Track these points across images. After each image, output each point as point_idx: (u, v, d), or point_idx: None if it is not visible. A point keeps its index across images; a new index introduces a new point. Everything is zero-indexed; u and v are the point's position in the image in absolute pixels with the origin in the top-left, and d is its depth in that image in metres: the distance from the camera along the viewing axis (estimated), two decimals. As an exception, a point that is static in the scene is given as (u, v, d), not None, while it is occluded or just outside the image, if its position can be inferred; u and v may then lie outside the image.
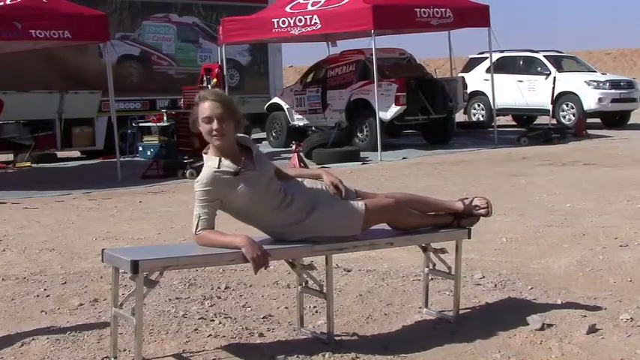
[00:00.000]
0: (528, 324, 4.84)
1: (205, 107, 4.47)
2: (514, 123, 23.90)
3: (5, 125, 16.93)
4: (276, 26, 17.41)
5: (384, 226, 4.87)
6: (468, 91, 20.83)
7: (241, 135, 4.67)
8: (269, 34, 17.87)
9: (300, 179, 4.77)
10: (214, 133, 4.43)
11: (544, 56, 22.21)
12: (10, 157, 17.73)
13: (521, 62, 22.58)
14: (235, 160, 4.48)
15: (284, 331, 4.92)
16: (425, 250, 5.16)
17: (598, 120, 21.93)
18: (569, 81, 21.26)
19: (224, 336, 4.79)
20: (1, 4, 12.88)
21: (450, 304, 5.17)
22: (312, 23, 16.82)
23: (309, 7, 17.12)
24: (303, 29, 17.00)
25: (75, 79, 18.22)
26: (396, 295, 5.65)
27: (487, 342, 4.66)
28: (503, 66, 21.74)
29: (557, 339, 4.64)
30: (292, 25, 17.09)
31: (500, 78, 20.38)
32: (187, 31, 20.92)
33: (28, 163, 17.12)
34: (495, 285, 5.85)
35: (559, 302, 5.31)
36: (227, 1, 21.27)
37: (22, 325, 5.18)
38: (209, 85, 16.02)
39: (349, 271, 6.30)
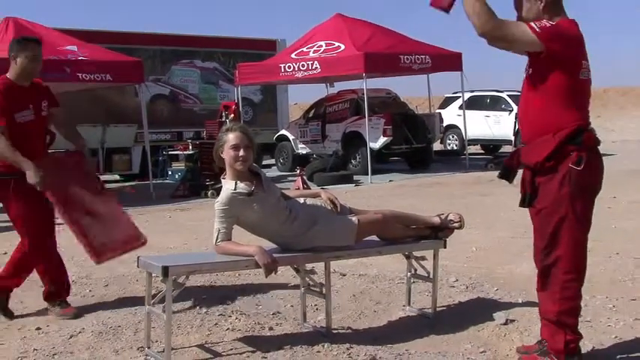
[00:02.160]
0: (494, 319, 4.85)
1: (234, 137, 4.50)
2: (482, 151, 23.91)
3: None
4: (283, 70, 17.49)
5: (374, 237, 4.89)
6: (444, 124, 20.90)
7: (252, 164, 4.71)
8: (277, 76, 17.94)
9: (302, 199, 4.80)
10: (240, 158, 4.46)
11: (507, 95, 22.24)
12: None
13: (488, 100, 22.61)
14: (248, 183, 4.51)
15: (290, 325, 4.94)
16: (408, 257, 5.17)
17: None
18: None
19: (240, 329, 4.80)
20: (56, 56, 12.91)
21: (428, 303, 5.18)
22: (313, 68, 16.89)
23: (311, 54, 17.21)
24: (306, 73, 17.07)
25: (115, 114, 18.25)
26: (383, 295, 5.67)
27: (460, 334, 4.67)
28: (473, 103, 21.78)
29: (518, 332, 4.65)
30: (296, 69, 17.17)
31: (471, 113, 20.42)
32: (209, 74, 20.99)
33: (76, 186, 17.11)
34: (467, 287, 5.86)
35: (520, 301, 5.32)
36: (242, 49, 21.35)
37: (70, 321, 5.19)
38: (227, 120, 16.05)
39: (344, 275, 6.30)
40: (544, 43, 3.71)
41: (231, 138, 4.50)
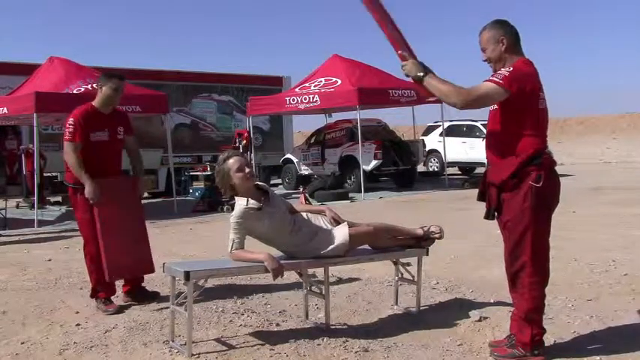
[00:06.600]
0: (470, 317, 4.85)
1: (234, 161, 4.54)
2: (459, 172, 23.93)
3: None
4: (288, 103, 17.53)
5: (366, 246, 4.90)
6: (427, 149, 20.91)
7: (261, 183, 4.74)
8: (283, 108, 17.99)
9: (305, 213, 4.81)
10: (248, 176, 4.50)
11: (481, 124, 22.21)
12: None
13: (464, 128, 22.61)
14: (258, 199, 4.53)
15: (294, 322, 4.93)
16: (395, 263, 5.18)
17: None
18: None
19: (251, 325, 4.80)
20: (84, 88, 12.90)
21: (413, 303, 5.18)
22: (314, 100, 16.94)
23: (312, 89, 17.27)
24: (308, 105, 17.12)
25: (143, 140, 18.20)
26: (374, 296, 5.67)
27: (440, 330, 4.67)
28: (452, 131, 21.79)
29: (490, 328, 4.64)
30: (300, 101, 17.21)
31: (450, 140, 20.44)
32: (225, 106, 21.06)
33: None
34: (446, 289, 5.86)
35: (492, 301, 5.31)
36: (253, 84, 21.44)
37: (105, 318, 5.20)
38: (240, 145, 16.09)
39: (341, 278, 6.30)
40: (509, 89, 3.75)
41: (232, 163, 4.53)
